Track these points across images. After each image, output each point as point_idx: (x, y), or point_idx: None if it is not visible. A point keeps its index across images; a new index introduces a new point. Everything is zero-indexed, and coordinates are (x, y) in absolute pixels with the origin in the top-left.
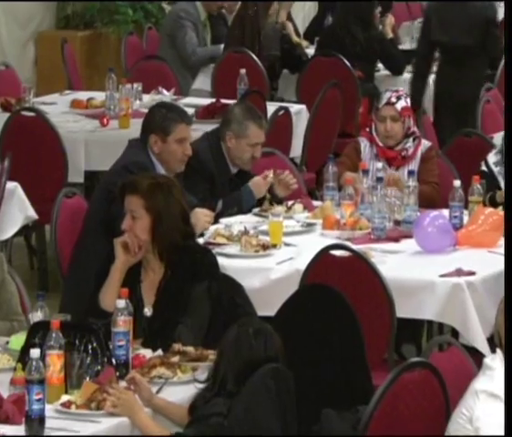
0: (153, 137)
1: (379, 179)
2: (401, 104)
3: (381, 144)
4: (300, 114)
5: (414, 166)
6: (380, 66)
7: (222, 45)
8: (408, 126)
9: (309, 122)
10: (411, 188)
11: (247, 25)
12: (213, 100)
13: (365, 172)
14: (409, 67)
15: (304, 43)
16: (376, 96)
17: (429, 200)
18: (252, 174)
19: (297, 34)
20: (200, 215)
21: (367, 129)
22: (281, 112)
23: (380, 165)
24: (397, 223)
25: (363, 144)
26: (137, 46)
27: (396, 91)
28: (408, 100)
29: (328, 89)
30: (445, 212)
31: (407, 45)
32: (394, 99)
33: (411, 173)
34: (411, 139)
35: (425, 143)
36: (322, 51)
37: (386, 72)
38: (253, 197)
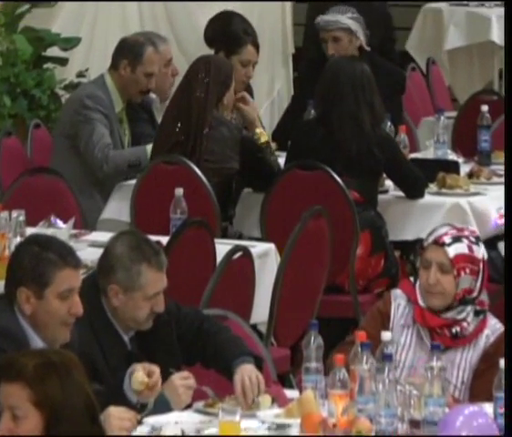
0: (23, 291)
1: (386, 357)
2: (457, 248)
3: (421, 303)
4: (266, 257)
5: (469, 352)
6: (388, 183)
7: (149, 147)
8: (468, 287)
9: (280, 269)
10: (435, 371)
11: (193, 115)
12: None
13: (366, 346)
14: (434, 187)
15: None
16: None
17: None
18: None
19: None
20: (115, 418)
21: (411, 278)
22: (238, 254)
23: (388, 335)
24: (415, 424)
25: (398, 301)
26: (17, 154)
27: (459, 229)
28: (476, 248)
29: (309, 220)
30: (488, 406)
31: (430, 151)
32: (447, 239)
33: (435, 348)
34: (469, 309)
35: (495, 325)
36: (299, 161)
37: (397, 192)
38: (169, 409)
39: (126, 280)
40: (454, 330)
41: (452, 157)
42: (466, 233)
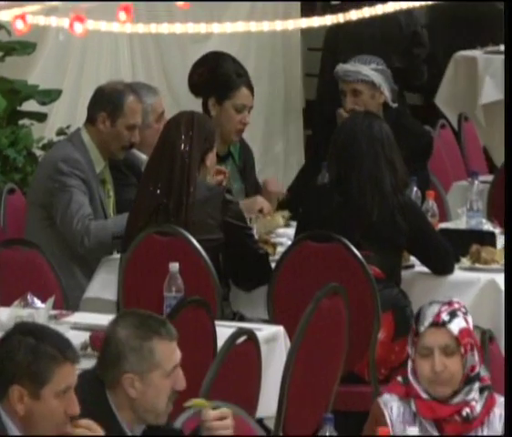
0: (16, 390)
1: None
2: (458, 324)
3: (424, 395)
4: (274, 342)
5: (484, 432)
6: (412, 258)
7: None
8: (471, 364)
9: (290, 356)
10: None
11: (175, 171)
12: None
13: None
14: (467, 261)
15: (281, 216)
16: (414, 314)
17: None
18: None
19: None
20: None
21: (399, 378)
22: (242, 338)
23: (415, 431)
24: None
25: (389, 405)
26: None
27: (449, 303)
28: (469, 319)
29: (323, 298)
30: None
31: (462, 221)
32: (445, 316)
33: None
34: (476, 387)
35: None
36: (311, 232)
37: (424, 268)
38: None
39: (139, 363)
40: (464, 413)
41: (487, 226)
42: (457, 305)
